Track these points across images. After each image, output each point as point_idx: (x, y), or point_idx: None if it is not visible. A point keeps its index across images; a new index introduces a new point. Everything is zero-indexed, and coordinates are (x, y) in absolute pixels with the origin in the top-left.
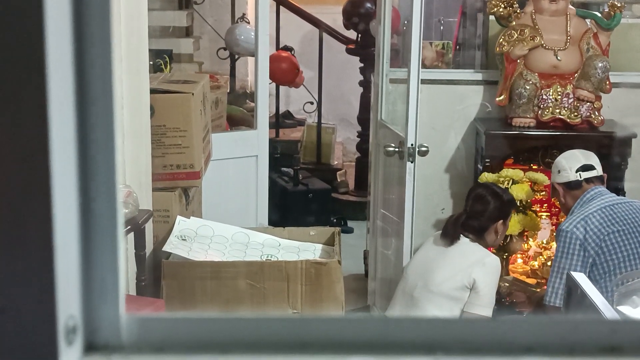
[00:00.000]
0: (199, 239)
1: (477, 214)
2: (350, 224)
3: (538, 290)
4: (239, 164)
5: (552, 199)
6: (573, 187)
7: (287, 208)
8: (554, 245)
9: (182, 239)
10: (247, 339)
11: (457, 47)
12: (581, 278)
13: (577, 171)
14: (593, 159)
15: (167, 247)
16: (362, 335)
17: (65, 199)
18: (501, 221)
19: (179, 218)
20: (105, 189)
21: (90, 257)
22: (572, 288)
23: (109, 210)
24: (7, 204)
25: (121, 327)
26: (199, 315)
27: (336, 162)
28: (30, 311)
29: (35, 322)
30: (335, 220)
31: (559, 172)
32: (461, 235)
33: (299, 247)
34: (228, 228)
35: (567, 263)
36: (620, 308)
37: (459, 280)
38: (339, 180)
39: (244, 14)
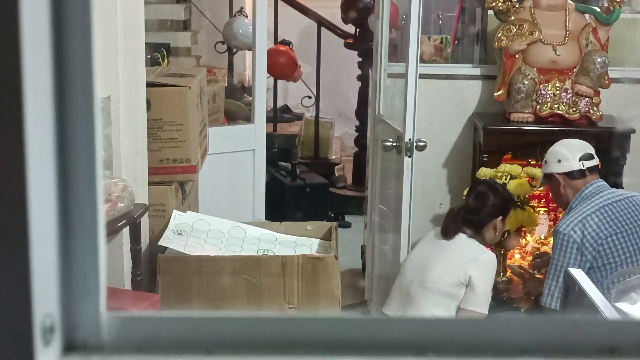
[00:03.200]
0: (195, 233)
1: (477, 209)
2: (347, 218)
3: (540, 276)
4: (236, 158)
5: (539, 189)
6: (576, 177)
7: (285, 202)
8: (551, 240)
9: (178, 234)
10: (232, 338)
11: (456, 41)
12: (579, 275)
13: (579, 160)
14: (590, 147)
15: (162, 242)
16: (353, 335)
17: (42, 190)
18: (500, 218)
19: (175, 212)
20: (86, 180)
21: (69, 252)
22: (570, 285)
23: (89, 203)
24: None
25: (101, 326)
26: (182, 314)
27: (334, 157)
28: (4, 309)
29: (10, 321)
30: (332, 215)
31: (559, 161)
32: (460, 231)
33: (296, 242)
34: (224, 222)
35: (564, 266)
36: (618, 305)
37: (454, 277)
38: (336, 174)
39: (242, 8)
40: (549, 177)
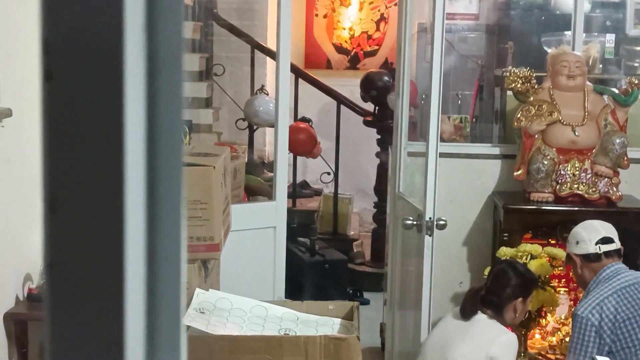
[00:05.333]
0: (217, 311)
1: (497, 289)
2: (366, 295)
3: None
4: (257, 235)
5: (559, 269)
6: (592, 259)
7: (304, 278)
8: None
9: (201, 312)
10: None
11: (474, 119)
12: None
13: (596, 244)
14: (612, 231)
15: (185, 320)
16: None
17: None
18: (521, 299)
19: (197, 290)
20: (171, 302)
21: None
22: None
23: (173, 320)
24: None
25: None
26: None
27: (352, 233)
28: None
29: None
30: (351, 292)
31: (577, 243)
32: (479, 311)
33: (317, 322)
34: (246, 301)
35: (583, 350)
36: None
37: (476, 357)
38: (355, 250)
39: (262, 86)
40: (569, 257)
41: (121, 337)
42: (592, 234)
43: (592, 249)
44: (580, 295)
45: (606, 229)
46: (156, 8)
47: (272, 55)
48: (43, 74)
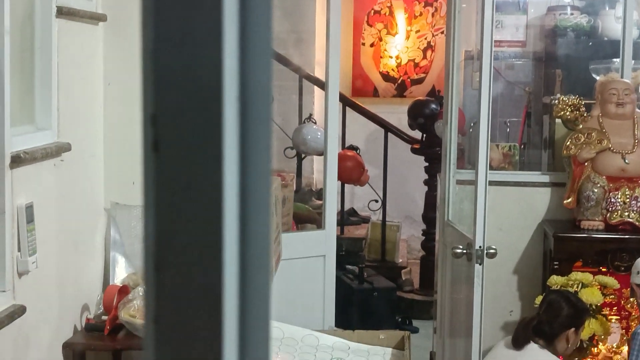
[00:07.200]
0: None
1: (549, 320)
2: (415, 323)
3: None
4: (307, 263)
5: (631, 299)
6: None
7: (352, 306)
8: (624, 349)
9: None
10: None
11: (522, 146)
12: None
13: None
14: None
15: None
16: None
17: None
18: (573, 329)
19: None
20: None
21: None
22: None
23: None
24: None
25: None
26: None
27: (401, 260)
28: None
29: None
30: (400, 320)
31: (638, 273)
32: (531, 341)
33: (369, 351)
34: (298, 330)
35: None
36: None
37: None
38: (403, 278)
39: (310, 115)
40: (632, 286)
41: None
42: None
43: None
44: (633, 323)
45: None
46: (249, 89)
47: (320, 84)
48: (150, 145)
